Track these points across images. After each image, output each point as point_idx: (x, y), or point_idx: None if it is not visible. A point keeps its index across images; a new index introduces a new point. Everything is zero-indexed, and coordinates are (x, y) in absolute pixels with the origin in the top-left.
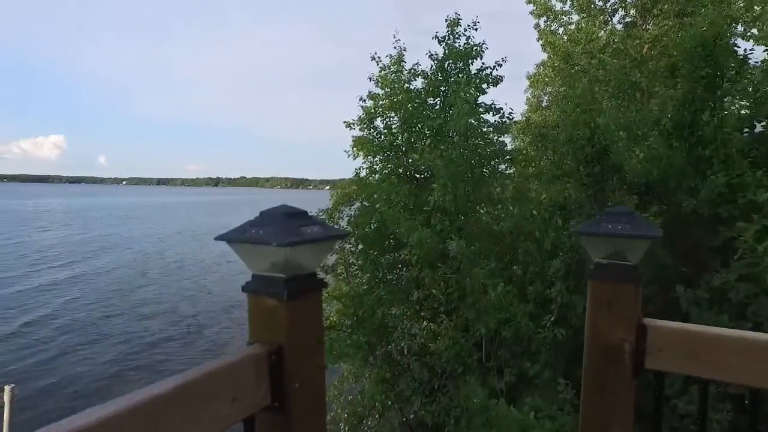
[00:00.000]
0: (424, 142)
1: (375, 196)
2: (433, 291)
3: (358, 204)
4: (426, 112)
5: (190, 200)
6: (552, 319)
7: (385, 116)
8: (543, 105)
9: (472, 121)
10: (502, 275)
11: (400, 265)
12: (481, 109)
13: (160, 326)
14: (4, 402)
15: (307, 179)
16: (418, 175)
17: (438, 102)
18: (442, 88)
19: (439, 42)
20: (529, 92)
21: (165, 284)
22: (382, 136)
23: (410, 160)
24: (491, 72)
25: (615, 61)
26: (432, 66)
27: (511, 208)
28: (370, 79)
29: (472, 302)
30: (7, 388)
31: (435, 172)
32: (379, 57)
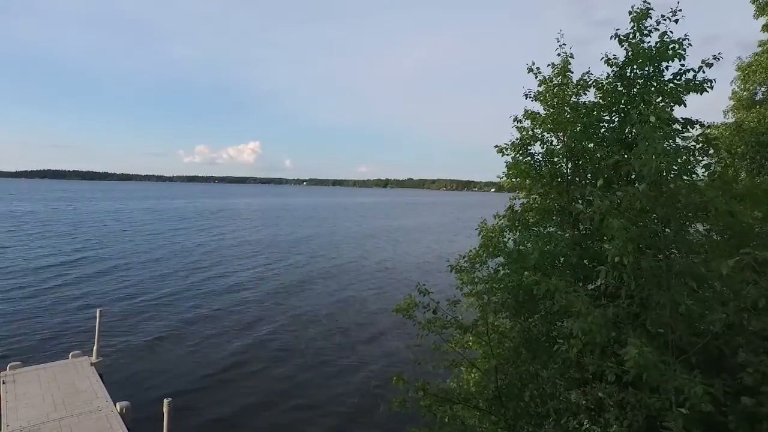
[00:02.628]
0: (594, 180)
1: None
2: (600, 394)
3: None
4: (597, 134)
5: (385, 200)
6: None
7: (544, 140)
8: (758, 98)
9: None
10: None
11: (559, 339)
12: (677, 127)
13: None
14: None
15: (472, 181)
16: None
17: (614, 119)
18: (622, 103)
19: (620, 42)
20: (736, 84)
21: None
22: (542, 165)
23: (576, 198)
24: (695, 75)
25: None
26: (609, 74)
27: (724, 289)
28: (526, 96)
29: None
30: (165, 401)
31: (606, 226)
32: (537, 68)
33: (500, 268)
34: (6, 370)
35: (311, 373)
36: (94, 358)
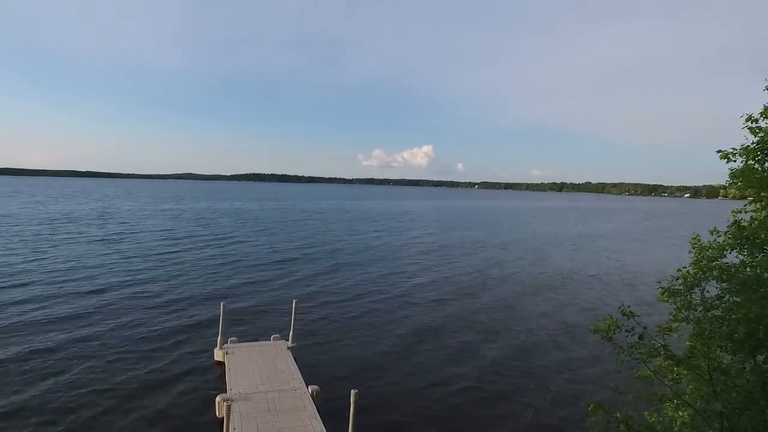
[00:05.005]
0: None
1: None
2: None
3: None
4: None
5: (561, 205)
6: None
7: None
8: None
9: None
10: None
11: None
12: None
13: None
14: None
15: (661, 185)
16: None
17: None
18: None
19: None
20: None
21: None
22: None
23: None
24: None
25: None
26: None
27: None
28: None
29: None
30: (352, 392)
31: None
32: None
33: (725, 294)
34: (227, 343)
35: (490, 380)
36: (290, 343)
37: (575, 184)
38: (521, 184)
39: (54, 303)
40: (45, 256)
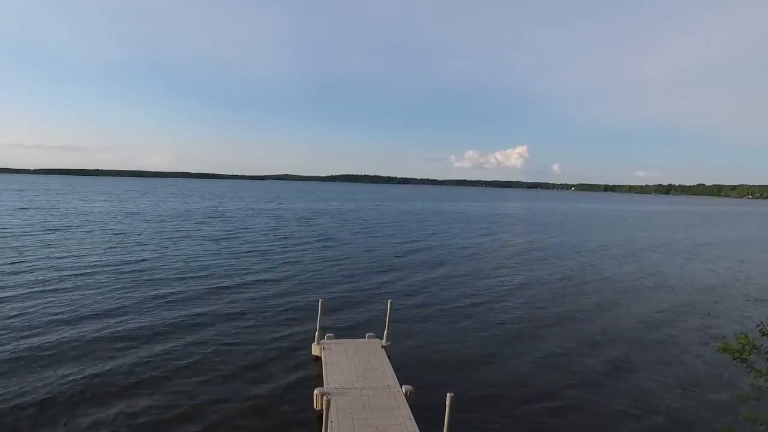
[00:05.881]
0: None
1: None
2: None
3: None
4: None
5: (668, 209)
6: None
7: None
8: None
9: None
10: None
11: None
12: None
13: None
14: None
15: None
16: None
17: None
18: None
19: None
20: None
21: None
22: None
23: None
24: None
25: None
26: None
27: None
28: None
29: None
30: (448, 396)
31: None
32: None
33: None
34: (324, 339)
35: (592, 395)
36: (384, 342)
37: (685, 186)
38: (622, 186)
39: (170, 296)
40: (167, 252)
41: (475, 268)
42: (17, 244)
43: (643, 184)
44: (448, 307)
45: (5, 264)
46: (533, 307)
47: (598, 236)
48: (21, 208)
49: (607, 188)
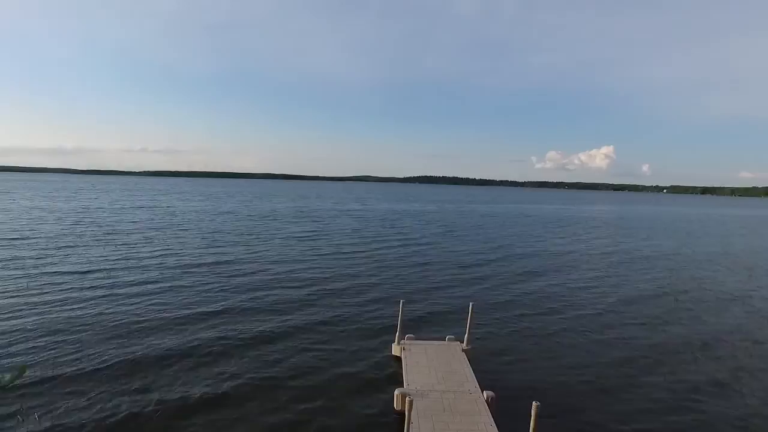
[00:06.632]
0: None
1: None
2: None
3: None
4: None
5: None
6: None
7: None
8: None
9: None
10: None
11: None
12: None
13: None
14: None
15: None
16: None
17: None
18: None
19: None
20: None
21: None
22: None
23: None
24: None
25: None
26: None
27: None
28: None
29: None
30: (534, 404)
31: None
32: None
33: None
34: (404, 339)
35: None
36: (464, 345)
37: None
38: (724, 188)
39: (258, 295)
40: (256, 251)
41: (563, 273)
42: (126, 240)
43: (749, 186)
44: (533, 312)
45: (118, 259)
46: (625, 318)
47: (698, 243)
48: (131, 207)
49: (705, 190)
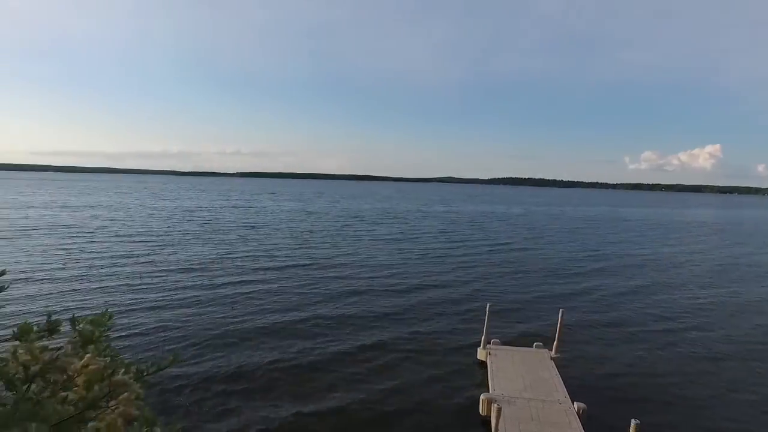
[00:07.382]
0: None
1: None
2: None
3: None
4: None
5: None
6: None
7: None
8: None
9: None
10: None
11: None
12: None
13: None
14: None
15: None
16: None
17: None
18: None
19: None
20: None
21: None
22: None
23: None
24: None
25: None
26: None
27: None
28: None
29: None
30: (633, 422)
31: None
32: None
33: None
34: (490, 344)
35: None
36: (553, 353)
37: None
38: None
39: (348, 296)
40: (345, 252)
41: (662, 282)
42: (225, 237)
43: None
44: (629, 323)
45: (217, 256)
46: (740, 337)
47: None
48: (229, 207)
49: None
